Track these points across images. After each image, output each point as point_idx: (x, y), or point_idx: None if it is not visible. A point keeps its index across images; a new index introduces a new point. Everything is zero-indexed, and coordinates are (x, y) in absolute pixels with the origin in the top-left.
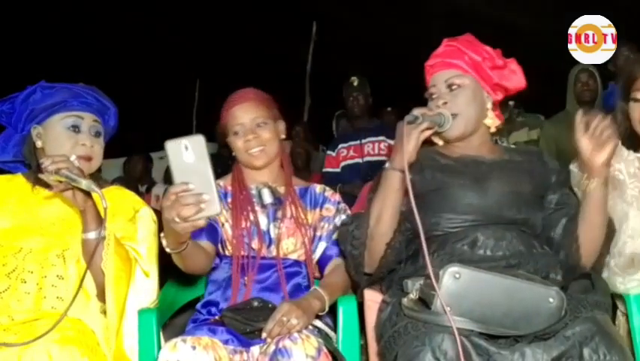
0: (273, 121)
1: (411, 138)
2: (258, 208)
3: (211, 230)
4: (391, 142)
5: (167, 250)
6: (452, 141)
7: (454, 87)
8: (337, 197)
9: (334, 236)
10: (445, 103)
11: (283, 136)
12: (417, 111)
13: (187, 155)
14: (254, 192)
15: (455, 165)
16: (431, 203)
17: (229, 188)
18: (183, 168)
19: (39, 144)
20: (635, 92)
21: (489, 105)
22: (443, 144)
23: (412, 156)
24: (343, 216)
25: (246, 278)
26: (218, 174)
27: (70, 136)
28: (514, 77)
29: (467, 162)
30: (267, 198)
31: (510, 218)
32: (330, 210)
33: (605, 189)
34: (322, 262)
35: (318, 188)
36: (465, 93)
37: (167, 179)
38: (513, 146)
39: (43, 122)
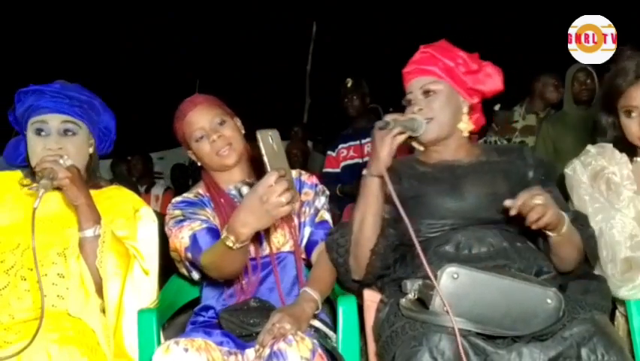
0: (230, 118)
1: (384, 144)
2: (239, 205)
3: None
4: None
5: (236, 245)
6: (428, 145)
7: (429, 93)
8: (314, 179)
9: (317, 219)
10: (421, 109)
11: (243, 131)
12: (389, 117)
13: (273, 144)
14: (233, 192)
15: (432, 172)
16: (410, 211)
17: (208, 195)
18: (274, 155)
19: (27, 148)
20: (629, 108)
21: (465, 110)
22: (422, 151)
23: (387, 162)
24: (322, 198)
25: (243, 283)
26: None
27: (39, 140)
28: (490, 81)
29: (443, 168)
30: None
31: (489, 219)
32: (309, 193)
33: (566, 231)
34: (309, 248)
35: (293, 173)
36: (439, 99)
37: (174, 178)
38: (498, 143)
39: (26, 128)
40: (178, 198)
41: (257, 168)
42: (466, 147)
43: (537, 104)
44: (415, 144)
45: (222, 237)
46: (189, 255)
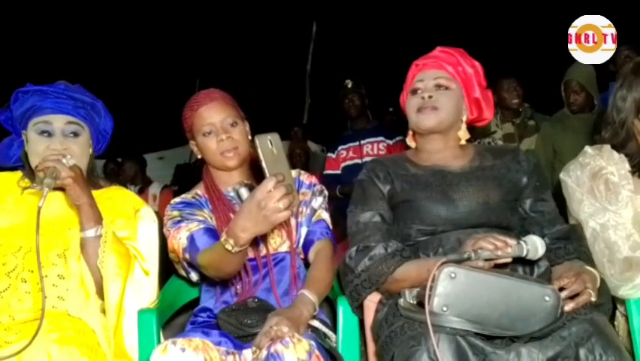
0: (242, 121)
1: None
2: (238, 210)
3: (216, 233)
4: (390, 142)
5: (235, 249)
6: (424, 132)
7: (441, 87)
8: (313, 179)
9: (314, 218)
10: (431, 97)
11: (250, 137)
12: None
13: (272, 149)
14: (232, 194)
15: (424, 175)
16: (402, 215)
17: (206, 196)
18: (272, 160)
19: (26, 148)
20: None
21: (464, 118)
22: (414, 150)
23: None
24: (319, 198)
25: (238, 286)
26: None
27: (42, 141)
28: (490, 103)
29: (435, 173)
30: (246, 196)
31: (480, 224)
32: (306, 193)
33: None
34: (306, 246)
35: (293, 173)
36: (450, 95)
37: (176, 179)
38: (491, 143)
39: (26, 128)
40: (176, 200)
41: (257, 171)
42: (458, 150)
43: (506, 113)
44: (408, 140)
45: (222, 240)
46: (187, 255)
